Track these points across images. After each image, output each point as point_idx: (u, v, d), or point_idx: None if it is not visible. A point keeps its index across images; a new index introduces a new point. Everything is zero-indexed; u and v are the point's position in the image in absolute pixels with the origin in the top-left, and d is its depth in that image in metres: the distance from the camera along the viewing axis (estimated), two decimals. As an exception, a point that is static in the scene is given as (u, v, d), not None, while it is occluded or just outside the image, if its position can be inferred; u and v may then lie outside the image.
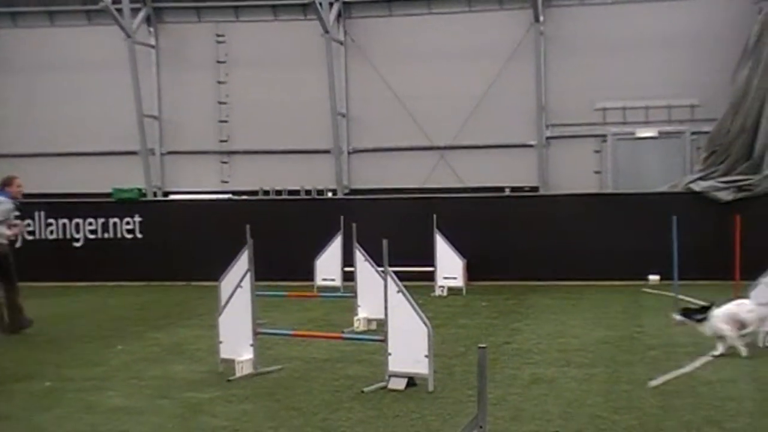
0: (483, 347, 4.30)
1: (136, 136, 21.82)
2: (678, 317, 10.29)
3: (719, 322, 9.90)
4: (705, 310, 10.03)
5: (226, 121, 22.32)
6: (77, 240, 20.54)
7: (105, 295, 18.19)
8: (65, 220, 20.53)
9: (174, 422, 7.84)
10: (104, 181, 21.45)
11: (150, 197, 21.74)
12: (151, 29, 22.41)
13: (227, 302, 10.01)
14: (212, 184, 22.47)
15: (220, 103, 22.31)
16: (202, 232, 19.83)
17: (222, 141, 22.44)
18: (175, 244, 19.95)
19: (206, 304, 14.58)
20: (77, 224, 20.53)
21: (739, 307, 10.04)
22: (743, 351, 9.88)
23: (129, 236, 20.42)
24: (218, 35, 22.21)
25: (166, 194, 22.58)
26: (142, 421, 7.90)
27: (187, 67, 22.37)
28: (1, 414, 8.25)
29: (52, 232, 20.58)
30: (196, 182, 22.50)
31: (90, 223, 20.51)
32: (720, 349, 9.99)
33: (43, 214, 20.55)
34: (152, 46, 22.31)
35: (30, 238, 20.48)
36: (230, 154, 22.52)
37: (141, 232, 20.36)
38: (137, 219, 20.41)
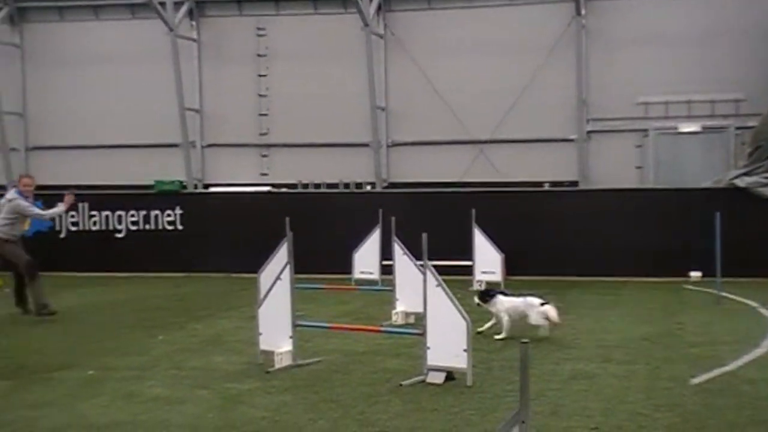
0: (525, 342, 4.27)
1: (178, 129, 21.99)
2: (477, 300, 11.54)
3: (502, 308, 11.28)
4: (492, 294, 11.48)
5: (265, 115, 22.43)
6: (119, 231, 20.77)
7: (146, 286, 18.37)
8: (108, 212, 20.77)
9: (214, 412, 7.90)
10: (146, 174, 21.67)
11: (191, 189, 21.90)
12: (193, 23, 22.57)
13: (267, 294, 10.05)
14: (252, 176, 22.59)
15: (260, 96, 22.42)
16: (242, 225, 19.96)
17: (262, 134, 22.55)
18: (215, 236, 20.11)
19: (245, 295, 14.67)
20: (119, 216, 20.76)
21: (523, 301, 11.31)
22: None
23: (170, 228, 20.61)
24: (259, 29, 22.31)
25: (206, 186, 22.75)
26: (183, 411, 7.97)
27: (227, 60, 22.52)
28: (45, 401, 8.37)
29: (95, 223, 20.83)
30: (236, 175, 22.64)
31: (132, 215, 20.73)
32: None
33: (86, 205, 20.80)
34: (194, 40, 22.48)
35: (74, 229, 20.77)
36: (270, 147, 22.63)
37: (182, 224, 20.54)
38: (178, 211, 20.58)
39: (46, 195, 21.39)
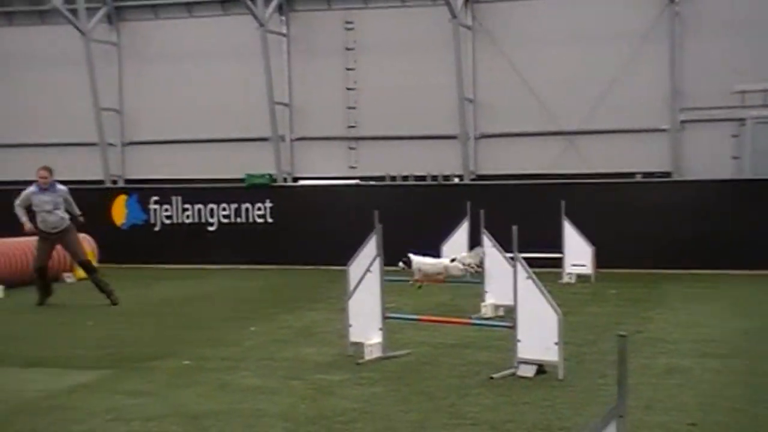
0: (623, 335, 4.20)
1: (268, 123, 22.29)
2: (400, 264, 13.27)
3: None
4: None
5: (353, 108, 22.55)
6: (211, 224, 21.17)
7: (237, 277, 18.69)
8: (200, 205, 21.20)
9: (306, 403, 8.00)
10: (237, 167, 22.02)
11: (280, 183, 22.19)
12: (283, 18, 22.82)
13: (356, 286, 10.13)
14: (340, 169, 22.75)
15: (348, 89, 22.56)
16: (331, 217, 20.14)
17: (350, 127, 22.69)
18: (305, 228, 20.33)
19: (335, 287, 14.79)
20: (211, 209, 21.17)
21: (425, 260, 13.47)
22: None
23: (260, 221, 20.92)
24: (347, 22, 22.44)
25: (295, 180, 23.01)
26: (276, 401, 8.09)
27: (316, 54, 22.70)
28: (144, 390, 8.60)
29: (188, 216, 21.28)
30: (325, 168, 22.84)
31: (223, 208, 21.12)
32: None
33: (179, 199, 21.27)
34: (283, 35, 22.72)
35: (167, 222, 21.27)
36: (358, 140, 22.76)
37: (272, 216, 20.83)
38: (268, 204, 20.88)
39: (144, 188, 22.01)
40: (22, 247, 17.65)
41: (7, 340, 11.58)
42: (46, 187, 14.46)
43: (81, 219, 14.90)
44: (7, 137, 23.96)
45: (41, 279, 14.79)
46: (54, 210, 14.41)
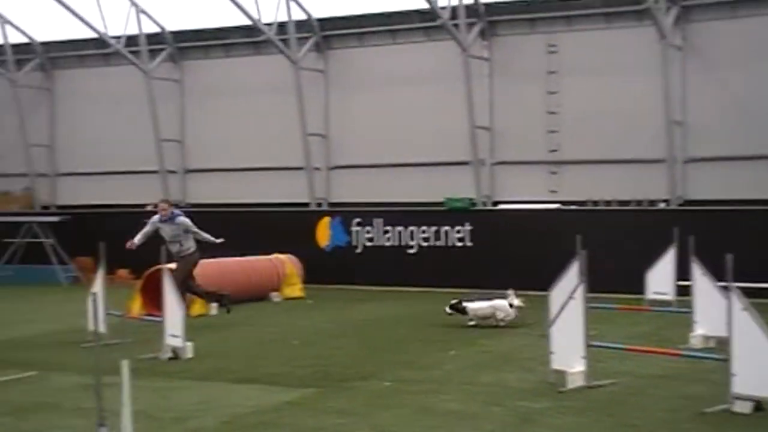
0: None
1: (467, 147, 22.34)
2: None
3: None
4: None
5: (555, 131, 22.22)
6: (411, 247, 21.44)
7: (436, 300, 18.71)
8: (401, 228, 21.54)
9: (508, 430, 7.90)
10: (437, 191, 22.19)
11: (480, 206, 22.17)
12: (485, 42, 22.84)
13: (559, 313, 9.93)
14: (540, 194, 22.44)
15: (550, 113, 22.25)
16: (530, 242, 19.91)
17: (551, 151, 22.37)
18: (504, 252, 20.20)
19: (535, 313, 14.56)
20: (411, 232, 21.47)
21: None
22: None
23: (459, 244, 21.00)
24: (550, 45, 22.16)
25: (495, 204, 22.93)
26: (477, 426, 8.04)
27: (517, 78, 22.54)
28: (347, 409, 8.77)
29: (388, 239, 21.66)
30: (524, 192, 22.60)
31: (423, 231, 21.36)
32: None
33: (381, 221, 21.70)
34: (486, 59, 22.74)
35: (368, 244, 21.74)
36: (559, 164, 22.40)
37: (471, 240, 20.85)
38: (467, 227, 20.93)
39: (347, 211, 22.60)
40: (234, 266, 18.53)
41: (219, 357, 12.14)
42: (166, 219, 14.84)
43: (216, 241, 15.04)
44: (222, 162, 25.20)
45: (193, 293, 15.39)
46: (172, 241, 14.73)
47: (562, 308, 9.85)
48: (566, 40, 21.98)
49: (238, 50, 25.26)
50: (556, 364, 9.74)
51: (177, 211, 15.17)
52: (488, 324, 14.56)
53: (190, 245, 14.91)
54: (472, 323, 14.60)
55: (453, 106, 22.24)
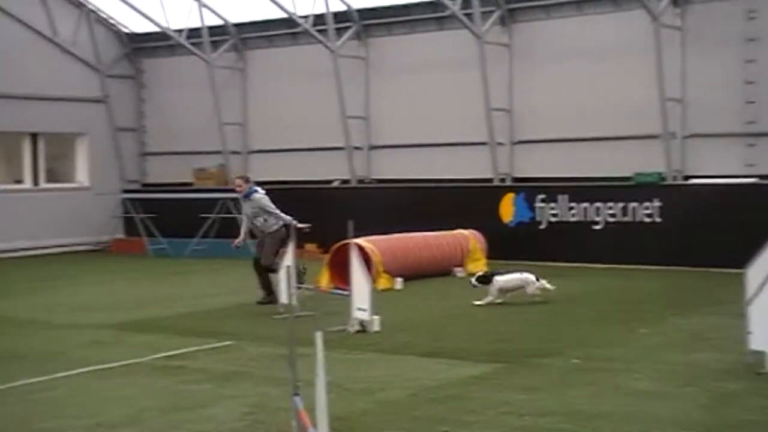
0: None
1: (657, 120, 21.59)
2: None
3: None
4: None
5: (753, 102, 21.12)
6: (597, 223, 21.00)
7: (622, 277, 18.36)
8: (586, 204, 21.12)
9: (701, 411, 7.68)
10: (625, 166, 21.61)
11: (670, 181, 21.43)
12: (678, 10, 21.95)
13: (758, 291, 9.49)
14: (736, 168, 21.41)
15: (747, 83, 21.16)
16: (724, 218, 19.08)
17: (748, 123, 21.29)
18: (695, 229, 19.47)
19: (727, 291, 13.98)
20: (597, 208, 21.02)
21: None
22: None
23: (647, 220, 20.38)
24: (750, 11, 21.03)
25: (686, 178, 22.08)
26: (670, 406, 7.84)
27: (711, 47, 21.53)
28: (535, 386, 8.74)
29: (573, 215, 21.30)
30: (718, 166, 21.63)
31: (610, 207, 20.87)
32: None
33: (566, 197, 21.36)
34: (677, 28, 21.86)
35: (553, 220, 21.48)
36: (757, 137, 21.29)
37: (660, 216, 20.20)
38: (656, 203, 20.28)
39: (531, 187, 22.39)
40: (416, 241, 18.75)
41: (405, 330, 12.34)
42: (244, 196, 14.65)
43: (301, 227, 14.50)
44: (406, 138, 25.40)
45: (258, 274, 14.62)
46: (253, 219, 14.48)
47: (762, 286, 9.41)
48: (766, 6, 20.84)
49: (421, 26, 25.38)
50: (754, 344, 9.33)
51: (255, 188, 14.77)
52: (513, 298, 14.42)
53: (273, 222, 14.43)
54: (498, 301, 14.32)
55: (643, 78, 21.52)
